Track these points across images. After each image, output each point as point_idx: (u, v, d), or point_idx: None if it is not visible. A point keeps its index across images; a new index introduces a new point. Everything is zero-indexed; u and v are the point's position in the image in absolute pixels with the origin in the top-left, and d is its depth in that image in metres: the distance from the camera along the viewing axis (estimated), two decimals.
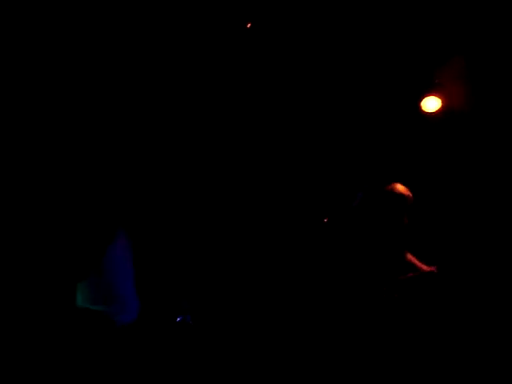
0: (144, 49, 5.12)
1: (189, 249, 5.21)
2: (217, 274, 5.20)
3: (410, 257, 4.75)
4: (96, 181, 4.82)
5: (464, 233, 5.36)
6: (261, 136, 5.70)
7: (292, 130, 5.65)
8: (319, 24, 5.26)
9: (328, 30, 5.33)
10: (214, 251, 5.32)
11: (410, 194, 4.58)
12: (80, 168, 4.93)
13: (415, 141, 5.62)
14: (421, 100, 5.47)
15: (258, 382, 4.81)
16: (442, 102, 5.46)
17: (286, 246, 5.50)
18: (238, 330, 5.11)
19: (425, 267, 4.67)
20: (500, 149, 5.43)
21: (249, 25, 4.99)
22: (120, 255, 4.38)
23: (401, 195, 4.57)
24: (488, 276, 5.16)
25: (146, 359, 4.36)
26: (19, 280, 4.30)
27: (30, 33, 4.81)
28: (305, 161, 5.63)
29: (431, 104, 5.48)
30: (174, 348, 4.45)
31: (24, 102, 4.96)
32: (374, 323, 4.72)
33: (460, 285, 5.06)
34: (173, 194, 5.39)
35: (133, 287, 4.40)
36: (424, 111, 5.50)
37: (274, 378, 4.82)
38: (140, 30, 5.05)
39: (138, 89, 5.25)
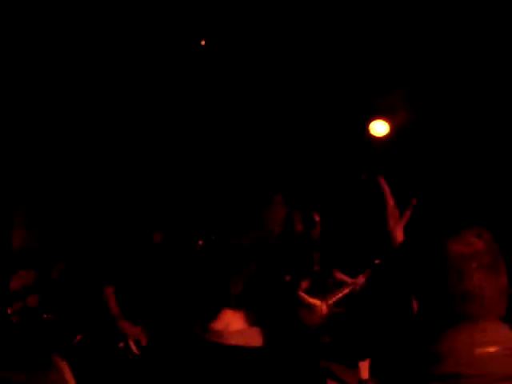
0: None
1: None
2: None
3: (338, 275, 5.04)
4: None
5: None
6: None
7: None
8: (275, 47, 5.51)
9: (282, 55, 5.58)
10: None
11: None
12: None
13: (363, 163, 5.84)
14: (368, 124, 5.71)
15: None
16: (390, 126, 5.69)
17: None
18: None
19: (350, 280, 4.97)
20: (445, 173, 5.62)
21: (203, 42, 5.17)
22: None
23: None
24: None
25: None
26: None
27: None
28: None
29: (379, 128, 5.71)
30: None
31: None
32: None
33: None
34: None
35: None
36: (372, 135, 5.74)
37: None
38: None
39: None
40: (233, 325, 1.58)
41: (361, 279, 5.00)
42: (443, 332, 1.30)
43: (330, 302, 4.95)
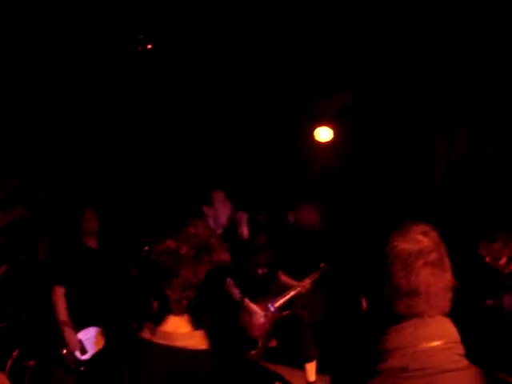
0: None
1: None
2: None
3: (284, 278, 5.07)
4: None
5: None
6: None
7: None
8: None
9: (228, 58, 5.57)
10: None
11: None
12: None
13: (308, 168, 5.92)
14: (313, 130, 5.79)
15: None
16: (334, 133, 5.78)
17: None
18: None
19: (294, 283, 5.01)
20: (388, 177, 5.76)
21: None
22: None
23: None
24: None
25: None
26: None
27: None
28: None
29: (323, 134, 5.80)
30: None
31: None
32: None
33: None
34: None
35: None
36: (317, 140, 5.82)
37: None
38: None
39: None
40: (181, 328, 1.57)
41: (306, 282, 5.02)
42: (388, 329, 1.32)
43: (276, 305, 4.97)
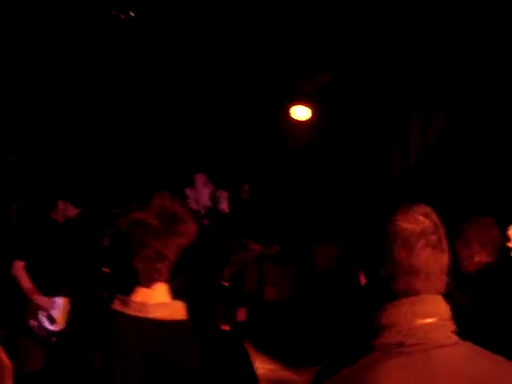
0: None
1: None
2: None
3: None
4: None
5: None
6: None
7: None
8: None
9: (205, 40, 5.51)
10: None
11: None
12: None
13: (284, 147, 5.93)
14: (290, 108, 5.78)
15: None
16: (311, 111, 5.78)
17: None
18: None
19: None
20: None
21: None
22: None
23: None
24: None
25: None
26: None
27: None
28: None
29: (300, 112, 5.79)
30: None
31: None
32: None
33: None
34: None
35: None
36: (293, 119, 5.81)
37: None
38: None
39: None
40: (152, 298, 1.57)
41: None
42: (385, 305, 1.35)
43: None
